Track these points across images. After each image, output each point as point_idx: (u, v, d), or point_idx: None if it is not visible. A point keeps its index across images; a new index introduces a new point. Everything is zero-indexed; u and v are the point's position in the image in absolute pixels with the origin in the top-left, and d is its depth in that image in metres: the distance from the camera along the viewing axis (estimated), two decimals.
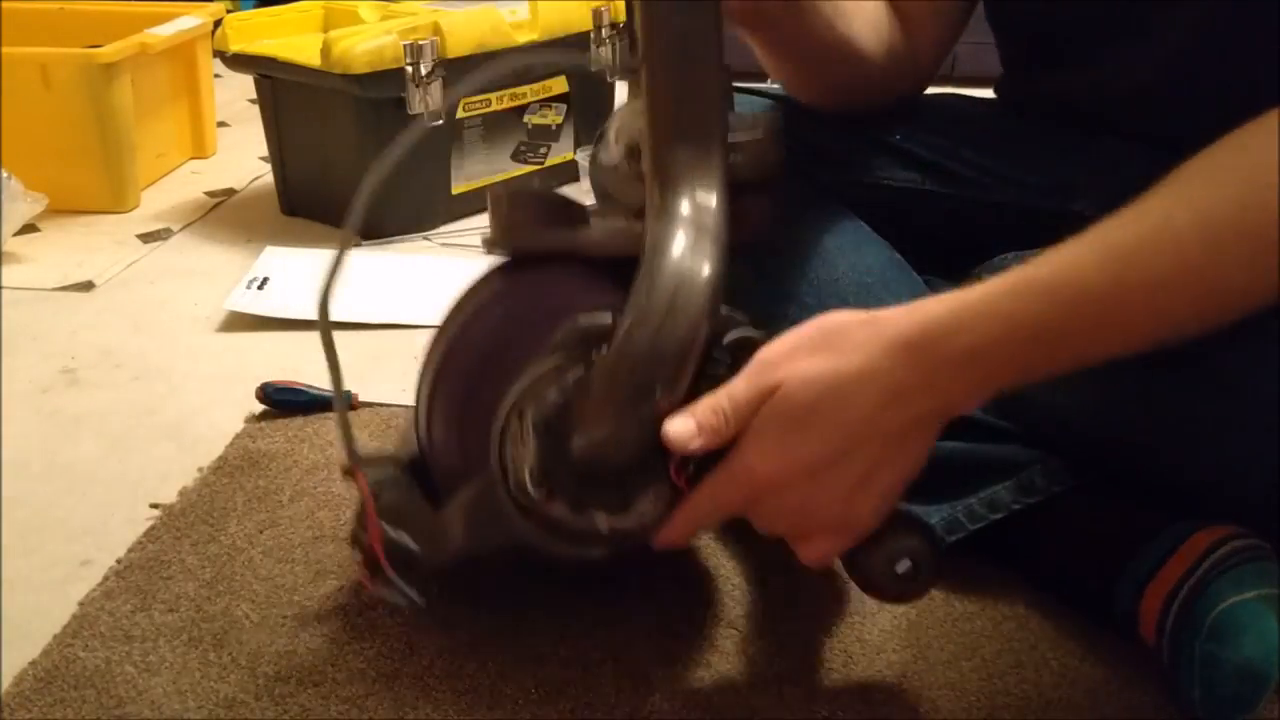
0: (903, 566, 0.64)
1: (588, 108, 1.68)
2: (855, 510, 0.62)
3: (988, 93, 0.98)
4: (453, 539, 0.69)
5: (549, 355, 0.63)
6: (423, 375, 0.72)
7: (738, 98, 0.93)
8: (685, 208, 0.61)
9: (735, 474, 0.61)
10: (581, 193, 1.61)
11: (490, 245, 0.72)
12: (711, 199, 0.62)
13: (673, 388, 0.60)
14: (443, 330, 0.72)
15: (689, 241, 0.60)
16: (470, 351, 0.70)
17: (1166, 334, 0.59)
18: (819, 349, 0.61)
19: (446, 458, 0.71)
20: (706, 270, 0.60)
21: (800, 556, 0.65)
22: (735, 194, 0.63)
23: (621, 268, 0.62)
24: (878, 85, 0.87)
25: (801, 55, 0.85)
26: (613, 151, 0.69)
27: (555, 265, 0.70)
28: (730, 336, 0.63)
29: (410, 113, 1.44)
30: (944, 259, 0.84)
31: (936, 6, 0.89)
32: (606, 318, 0.61)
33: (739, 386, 0.61)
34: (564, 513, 0.65)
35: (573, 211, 0.71)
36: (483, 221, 1.69)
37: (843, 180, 0.89)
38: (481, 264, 0.74)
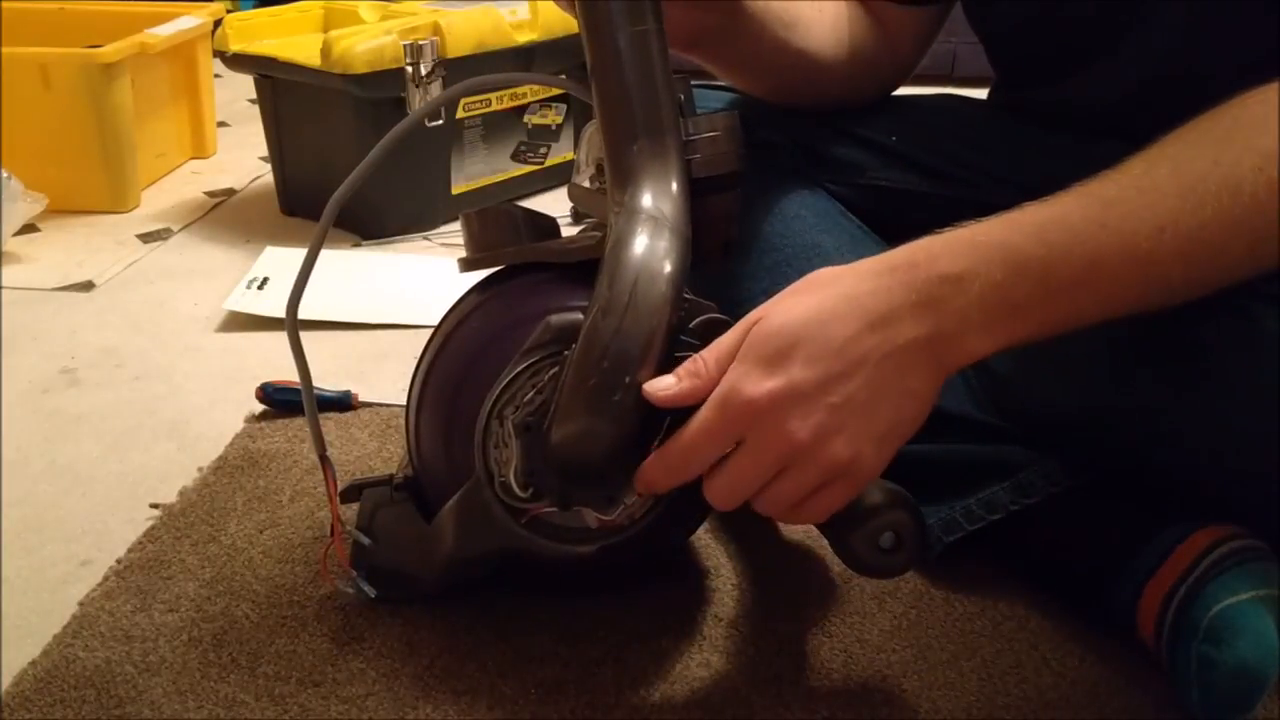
0: (886, 540, 0.64)
1: (588, 108, 1.68)
2: (851, 451, 0.58)
3: (986, 93, 0.98)
4: (443, 545, 0.70)
5: (524, 357, 0.64)
6: (411, 390, 0.73)
7: (718, 94, 0.93)
8: (643, 202, 0.62)
9: (721, 399, 0.59)
10: None
11: (466, 264, 0.73)
12: (669, 193, 0.63)
13: (641, 374, 0.61)
14: (428, 346, 0.73)
15: (648, 233, 0.61)
16: (452, 362, 0.71)
17: (1156, 292, 0.59)
18: (800, 291, 0.61)
19: (436, 468, 0.72)
20: (666, 257, 0.61)
21: (794, 514, 0.61)
22: (697, 192, 0.64)
23: (596, 272, 0.63)
24: (842, 87, 0.87)
25: (750, 71, 0.85)
26: (584, 171, 0.71)
27: (532, 275, 0.71)
28: (698, 320, 0.64)
29: (410, 113, 1.44)
30: None
31: (921, 21, 0.88)
32: (578, 316, 0.62)
33: (722, 338, 0.61)
34: (552, 512, 0.66)
35: (542, 223, 0.73)
36: None
37: (840, 181, 0.89)
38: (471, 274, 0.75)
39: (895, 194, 0.89)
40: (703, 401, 0.60)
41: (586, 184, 0.70)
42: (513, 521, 0.67)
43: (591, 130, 0.69)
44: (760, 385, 0.58)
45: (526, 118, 1.63)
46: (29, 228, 1.49)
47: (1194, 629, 0.65)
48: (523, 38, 1.56)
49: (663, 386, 0.61)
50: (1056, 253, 0.57)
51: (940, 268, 0.58)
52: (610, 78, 0.64)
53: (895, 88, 0.93)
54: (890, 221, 0.87)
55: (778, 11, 0.79)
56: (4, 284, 1.34)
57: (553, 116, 1.66)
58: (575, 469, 0.63)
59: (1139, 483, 0.74)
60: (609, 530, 0.67)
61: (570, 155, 1.69)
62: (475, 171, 1.59)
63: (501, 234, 0.72)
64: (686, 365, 0.61)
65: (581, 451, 0.62)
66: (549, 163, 1.68)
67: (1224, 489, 0.70)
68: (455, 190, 1.56)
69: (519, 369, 0.64)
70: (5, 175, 1.39)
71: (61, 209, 1.52)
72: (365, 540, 0.73)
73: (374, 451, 0.96)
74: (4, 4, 1.73)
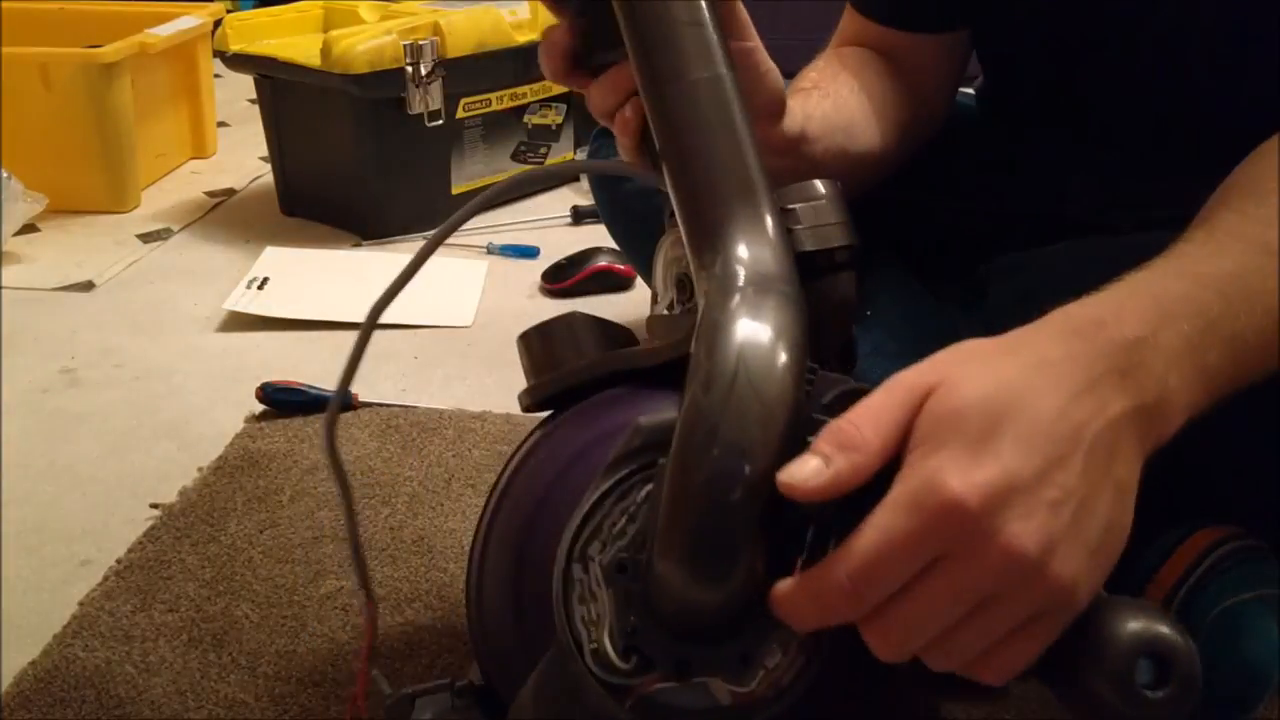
0: (1144, 673, 0.45)
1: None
2: (1073, 570, 0.44)
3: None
4: None
5: (609, 473, 0.49)
6: (470, 564, 0.57)
7: None
8: (737, 253, 0.48)
9: (913, 495, 0.42)
10: (580, 193, 1.62)
11: (532, 398, 0.59)
12: (771, 249, 0.49)
13: (766, 462, 0.44)
14: (486, 501, 0.58)
15: (752, 288, 0.47)
16: (517, 506, 0.56)
17: None
18: (968, 356, 0.46)
19: (508, 655, 0.55)
20: (779, 312, 0.46)
21: (989, 669, 0.45)
22: (806, 274, 0.50)
23: (679, 374, 0.48)
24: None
25: None
26: (663, 298, 0.59)
27: (607, 392, 0.57)
28: (830, 394, 0.47)
29: (410, 113, 1.45)
30: (941, 262, 0.84)
31: (941, 56, 0.86)
32: (674, 413, 0.46)
33: (874, 398, 0.45)
34: (666, 686, 0.48)
35: (615, 333, 0.61)
36: (483, 222, 1.68)
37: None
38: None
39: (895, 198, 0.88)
40: (870, 487, 0.44)
41: (666, 312, 0.58)
42: (613, 704, 0.47)
43: (664, 246, 0.58)
44: (969, 476, 0.42)
45: (526, 117, 1.63)
46: (29, 228, 1.49)
47: (1196, 629, 0.65)
48: (523, 38, 1.56)
49: (807, 472, 0.43)
50: (1239, 308, 0.50)
51: (1130, 330, 0.47)
52: (681, 133, 0.50)
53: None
54: (890, 225, 0.87)
55: (836, 120, 0.74)
56: (4, 284, 1.34)
57: (553, 116, 1.66)
58: (692, 614, 0.46)
59: (1139, 482, 0.74)
60: (749, 707, 0.48)
61: (570, 155, 1.69)
62: (475, 171, 1.59)
63: (568, 350, 0.60)
64: (833, 435, 0.44)
65: (698, 585, 0.45)
66: (549, 163, 1.68)
67: (1224, 490, 0.70)
68: (455, 190, 1.56)
69: (603, 490, 0.49)
70: (5, 175, 1.39)
71: (61, 209, 1.52)
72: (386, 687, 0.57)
73: (374, 451, 0.96)
74: (4, 4, 1.73)
